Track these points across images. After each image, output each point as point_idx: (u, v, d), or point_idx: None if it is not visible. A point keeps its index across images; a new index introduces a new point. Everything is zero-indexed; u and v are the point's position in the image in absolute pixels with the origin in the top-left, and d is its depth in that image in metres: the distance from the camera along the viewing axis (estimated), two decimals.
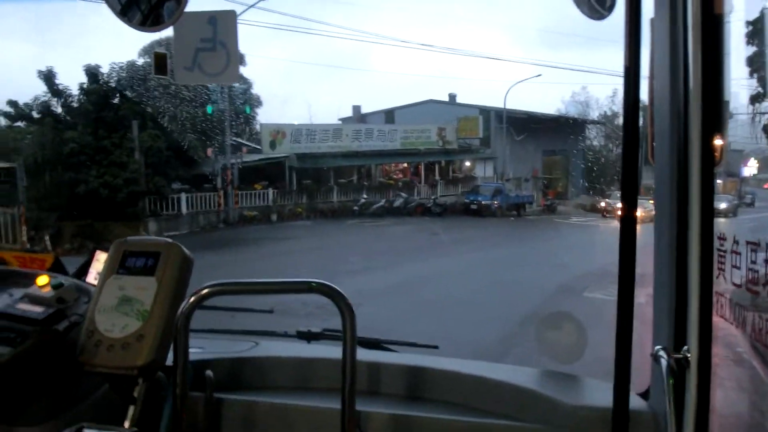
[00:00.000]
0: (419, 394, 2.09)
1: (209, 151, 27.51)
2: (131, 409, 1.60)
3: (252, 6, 22.61)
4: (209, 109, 27.24)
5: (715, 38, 1.26)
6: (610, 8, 1.95)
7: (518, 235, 25.74)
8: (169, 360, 1.69)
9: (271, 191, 29.82)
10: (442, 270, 15.69)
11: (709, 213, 1.39)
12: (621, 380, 1.48)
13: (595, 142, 45.49)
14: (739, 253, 1.21)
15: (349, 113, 41.76)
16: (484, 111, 38.20)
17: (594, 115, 45.00)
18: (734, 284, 1.23)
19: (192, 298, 1.60)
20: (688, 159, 1.36)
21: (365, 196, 33.00)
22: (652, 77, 1.74)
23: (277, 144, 31.11)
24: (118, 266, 1.68)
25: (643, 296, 1.96)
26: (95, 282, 1.92)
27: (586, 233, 25.37)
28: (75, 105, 25.12)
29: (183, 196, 25.79)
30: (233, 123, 29.25)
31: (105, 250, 2.01)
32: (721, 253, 1.32)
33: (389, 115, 41.00)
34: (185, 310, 1.59)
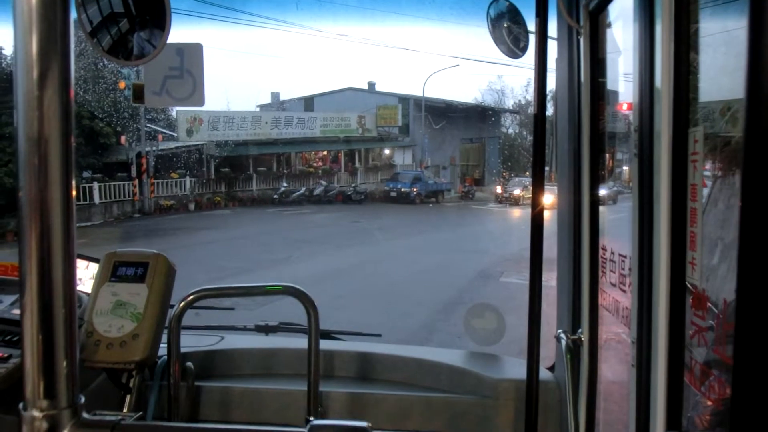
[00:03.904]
0: (368, 375, 2.44)
1: (123, 138, 26.59)
2: (128, 398, 1.85)
3: None
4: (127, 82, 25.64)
5: (599, 68, 1.86)
6: (524, 50, 2.39)
7: (437, 222, 26.44)
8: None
9: (188, 180, 29.21)
10: (366, 258, 16.02)
11: (595, 222, 1.81)
12: (532, 357, 1.89)
13: (510, 130, 47.29)
14: (615, 261, 1.62)
15: (267, 100, 41.44)
16: (403, 99, 38.82)
17: (509, 103, 46.74)
18: (611, 283, 1.63)
19: (183, 302, 1.87)
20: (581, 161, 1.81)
21: (285, 184, 32.90)
22: (555, 91, 2.30)
23: (194, 131, 30.37)
24: (110, 275, 1.91)
25: (555, 279, 2.35)
26: (80, 287, 2.14)
27: (502, 219, 26.44)
28: None
29: (95, 185, 24.91)
30: (148, 109, 28.33)
31: (84, 257, 2.23)
32: (603, 260, 1.74)
33: (308, 101, 40.92)
34: (178, 311, 1.86)
